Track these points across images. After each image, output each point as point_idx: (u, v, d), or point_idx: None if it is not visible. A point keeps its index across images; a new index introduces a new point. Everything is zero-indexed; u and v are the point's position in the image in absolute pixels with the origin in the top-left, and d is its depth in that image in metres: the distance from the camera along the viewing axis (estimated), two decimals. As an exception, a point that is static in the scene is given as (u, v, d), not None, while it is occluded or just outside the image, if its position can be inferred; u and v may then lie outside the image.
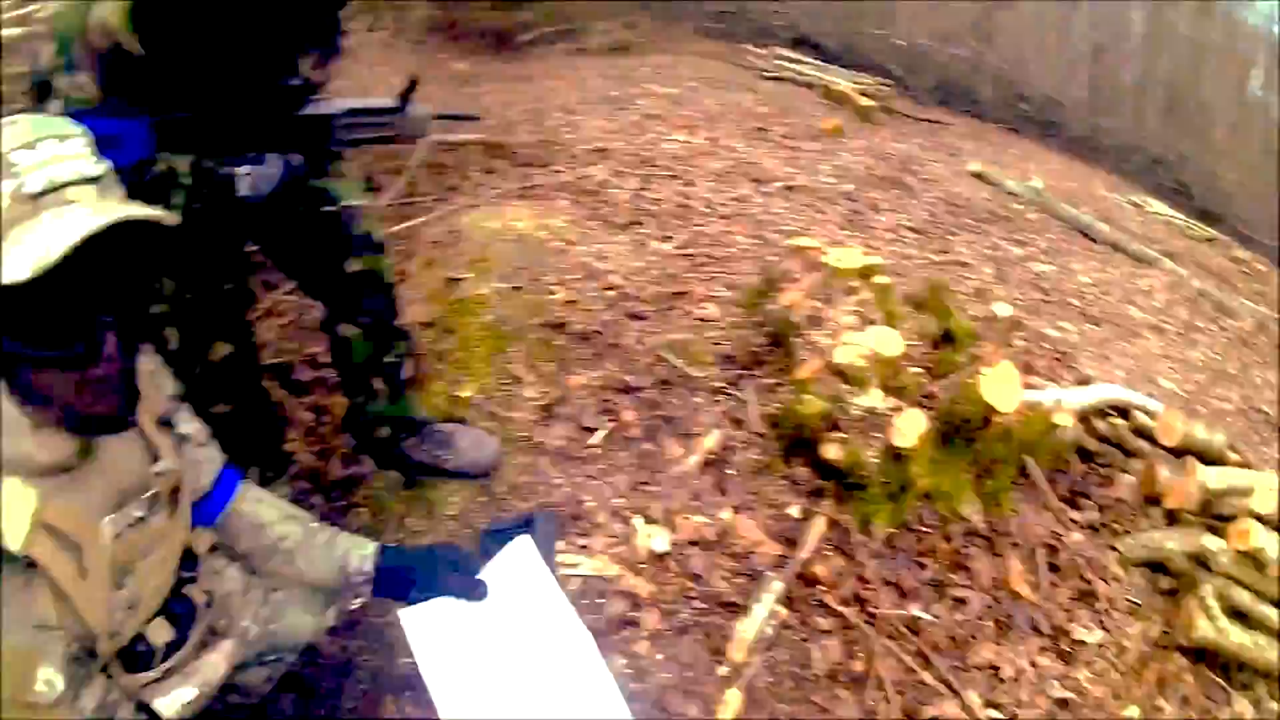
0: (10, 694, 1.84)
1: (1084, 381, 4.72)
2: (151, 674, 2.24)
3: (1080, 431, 4.18)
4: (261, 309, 4.64)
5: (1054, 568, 3.77)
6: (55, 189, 1.74)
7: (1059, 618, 3.62)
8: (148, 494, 2.12)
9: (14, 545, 1.78)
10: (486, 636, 2.58)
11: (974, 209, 7.77)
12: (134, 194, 1.98)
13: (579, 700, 2.49)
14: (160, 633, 2.26)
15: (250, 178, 2.74)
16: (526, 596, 2.64)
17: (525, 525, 3.01)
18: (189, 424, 2.44)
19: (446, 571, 2.61)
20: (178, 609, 2.32)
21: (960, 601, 3.57)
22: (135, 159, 2.50)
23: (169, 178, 2.62)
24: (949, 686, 3.32)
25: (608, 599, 3.28)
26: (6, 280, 1.65)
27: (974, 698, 3.31)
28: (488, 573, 2.66)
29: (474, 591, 2.61)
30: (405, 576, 2.61)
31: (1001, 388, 3.63)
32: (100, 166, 1.85)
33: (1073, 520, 3.96)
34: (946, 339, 4.23)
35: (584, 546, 3.42)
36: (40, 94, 2.53)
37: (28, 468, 1.85)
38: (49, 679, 1.87)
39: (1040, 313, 6.03)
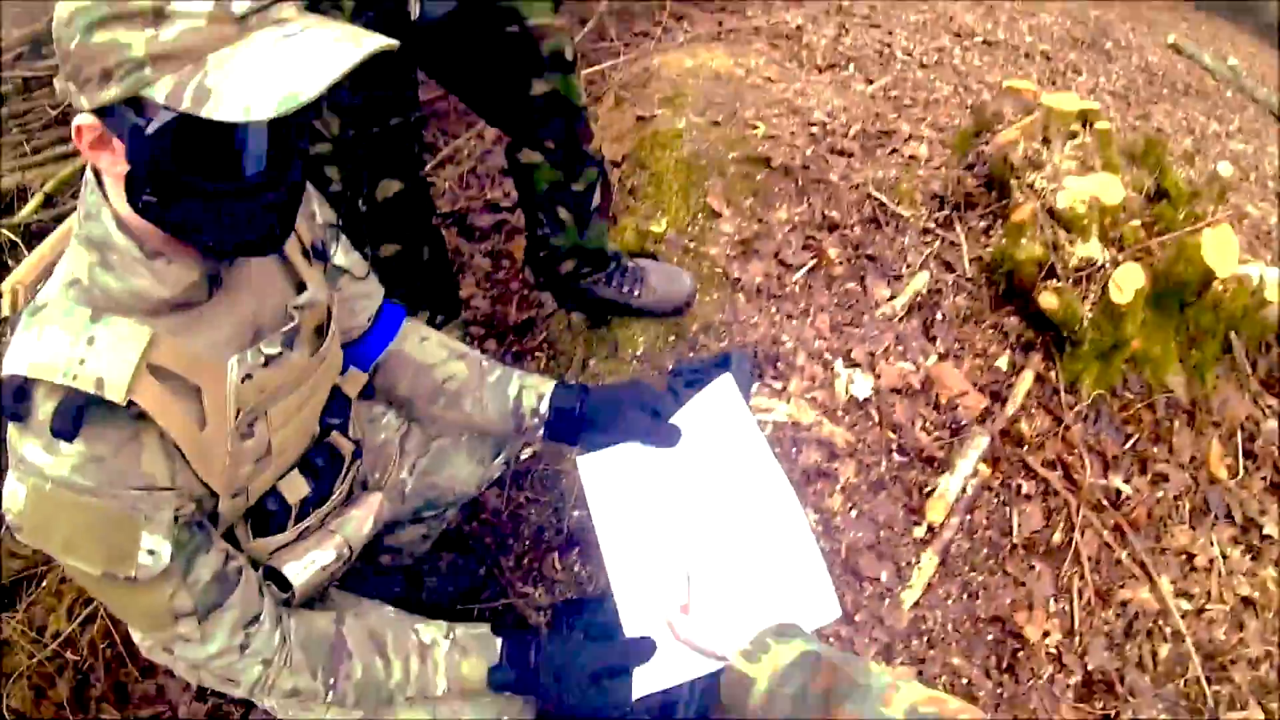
0: (106, 568, 1.50)
1: (1289, 260, 4.02)
2: (284, 536, 1.86)
3: (1285, 311, 3.57)
4: (441, 156, 4.35)
5: (1249, 454, 3.24)
6: (261, 8, 1.32)
7: (1251, 508, 3.12)
8: (286, 328, 1.68)
9: (115, 394, 1.40)
10: (674, 487, 2.07)
11: (1171, 80, 7.00)
12: None
13: (774, 563, 1.93)
14: (296, 488, 1.84)
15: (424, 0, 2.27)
16: (723, 444, 2.09)
17: (719, 366, 2.51)
18: (345, 256, 1.98)
19: (634, 413, 2.12)
20: (319, 461, 1.90)
21: (1160, 478, 3.09)
22: None
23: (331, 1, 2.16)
24: (1144, 569, 2.91)
25: (802, 448, 2.82)
26: (246, 118, 1.24)
27: (1166, 584, 2.90)
28: (681, 416, 2.15)
29: (664, 436, 2.11)
30: (585, 418, 2.15)
31: (1220, 251, 3.08)
32: None
33: (1269, 407, 3.39)
34: (1160, 195, 3.56)
35: (780, 390, 2.93)
36: None
37: (143, 305, 1.48)
38: (153, 548, 1.50)
39: (1239, 189, 5.30)
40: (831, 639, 2.53)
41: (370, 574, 2.35)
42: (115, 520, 1.46)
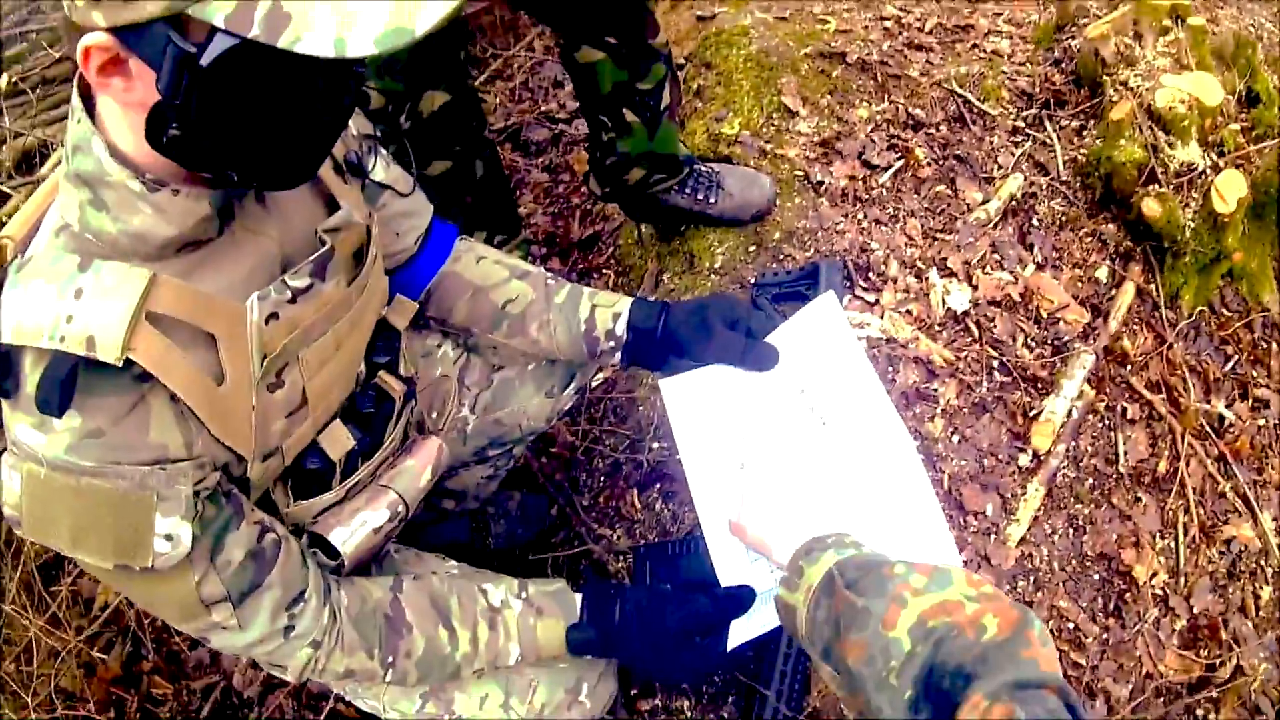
0: (118, 560, 1.24)
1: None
2: (330, 495, 1.54)
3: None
4: (490, 71, 4.07)
5: None
6: None
7: None
8: (315, 255, 1.36)
9: (108, 353, 1.12)
10: (769, 415, 1.74)
11: (1238, -17, 6.55)
12: None
13: (887, 513, 1.60)
14: (340, 441, 1.53)
15: None
16: (825, 372, 1.74)
17: (807, 277, 2.30)
18: (385, 171, 1.68)
19: (725, 333, 1.78)
20: (366, 406, 1.59)
21: (1261, 404, 2.79)
22: None
23: None
24: (1247, 504, 2.61)
25: (899, 366, 2.46)
26: (340, 53, 0.97)
27: (1268, 521, 2.61)
28: (778, 336, 1.79)
29: (760, 359, 1.76)
30: (669, 339, 1.80)
31: None
32: None
33: None
34: (1253, 100, 3.21)
35: (873, 303, 2.56)
36: None
37: (143, 248, 1.20)
38: (170, 532, 1.23)
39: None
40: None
41: (431, 520, 2.08)
42: (123, 503, 1.19)
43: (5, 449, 1.21)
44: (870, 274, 2.61)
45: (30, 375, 1.14)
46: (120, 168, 1.14)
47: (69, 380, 1.12)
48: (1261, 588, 2.51)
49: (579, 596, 1.64)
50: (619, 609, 1.61)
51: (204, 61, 1.00)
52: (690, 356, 1.78)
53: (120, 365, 1.12)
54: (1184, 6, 3.13)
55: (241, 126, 1.11)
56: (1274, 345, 2.89)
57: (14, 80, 4.05)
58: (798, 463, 1.67)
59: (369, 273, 1.48)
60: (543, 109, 3.85)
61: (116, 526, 1.20)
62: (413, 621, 1.52)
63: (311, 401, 1.41)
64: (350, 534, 1.52)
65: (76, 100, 1.16)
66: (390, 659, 1.50)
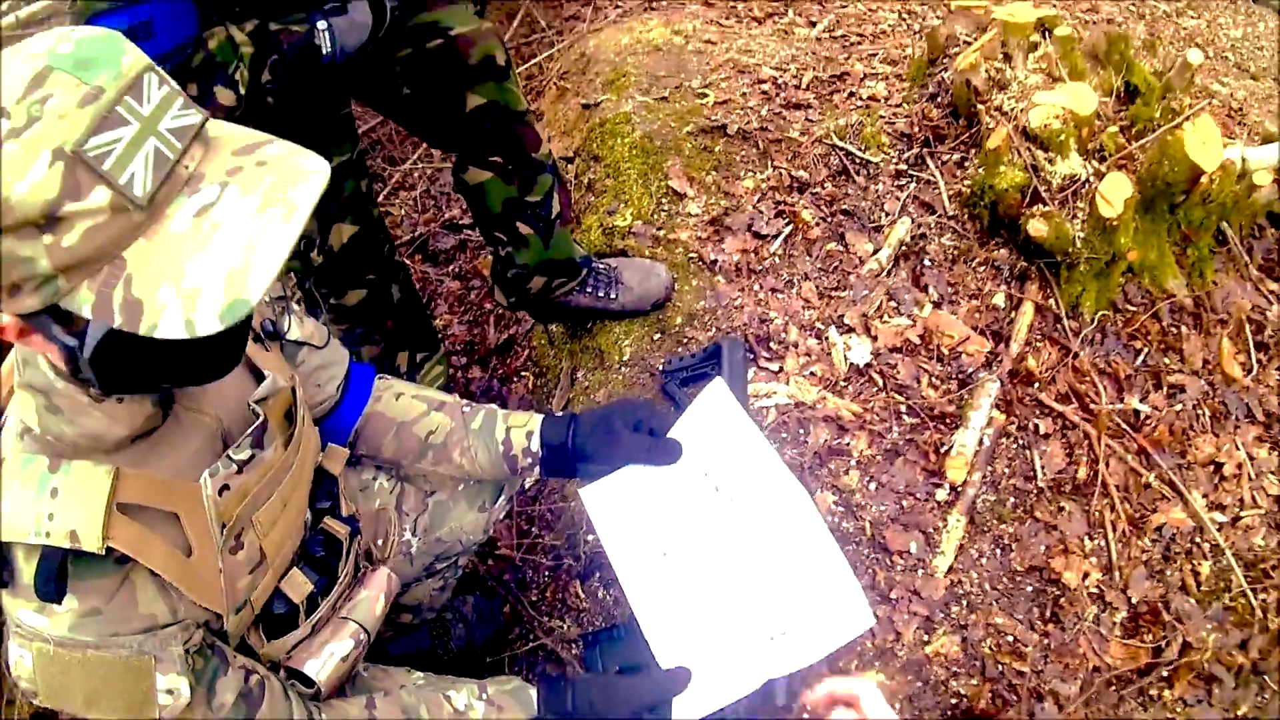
0: (131, 716, 1.50)
1: (1268, 139, 3.88)
2: (298, 633, 1.83)
3: (1275, 192, 3.37)
4: (393, 184, 4.33)
5: (1260, 345, 3.16)
6: (166, 176, 1.15)
7: (1271, 403, 3.05)
8: (252, 428, 1.62)
9: (91, 544, 1.36)
10: (684, 505, 2.02)
11: (1115, -34, 6.86)
12: (181, 81, 1.48)
13: (800, 577, 1.90)
14: (299, 585, 1.82)
15: (333, 32, 2.10)
16: (726, 454, 2.04)
17: (710, 358, 2.54)
18: (299, 328, 1.92)
19: (628, 435, 2.06)
20: (317, 550, 1.88)
21: (1176, 389, 3.02)
22: (177, 42, 1.89)
23: (225, 52, 1.96)
24: (1173, 488, 2.83)
25: (809, 428, 2.74)
26: (191, 334, 1.14)
27: (1198, 499, 2.82)
28: (679, 429, 2.09)
29: (664, 454, 2.05)
30: (578, 449, 2.08)
31: (1204, 144, 2.98)
32: (193, 112, 1.21)
33: (1271, 292, 3.30)
34: (1131, 94, 3.47)
35: (778, 371, 2.86)
36: None
37: (101, 445, 1.44)
38: (170, 687, 1.50)
39: (1200, 69, 5.23)
40: (872, 630, 2.48)
41: (393, 635, 2.34)
42: (126, 668, 1.45)
43: (11, 627, 1.46)
44: (771, 343, 2.89)
45: (25, 567, 1.38)
46: (66, 383, 1.37)
47: (61, 570, 1.38)
48: (1200, 564, 2.71)
49: (534, 690, 1.90)
50: (571, 697, 1.87)
51: (86, 354, 1.23)
52: (601, 462, 2.06)
53: (103, 553, 1.36)
54: (1051, 18, 3.40)
55: (151, 372, 1.34)
56: (1183, 329, 3.10)
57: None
58: (712, 541, 1.96)
59: (301, 430, 1.75)
60: (446, 216, 4.08)
61: (124, 688, 1.46)
62: None
63: (269, 556, 1.69)
64: (322, 664, 1.79)
65: None
66: None
